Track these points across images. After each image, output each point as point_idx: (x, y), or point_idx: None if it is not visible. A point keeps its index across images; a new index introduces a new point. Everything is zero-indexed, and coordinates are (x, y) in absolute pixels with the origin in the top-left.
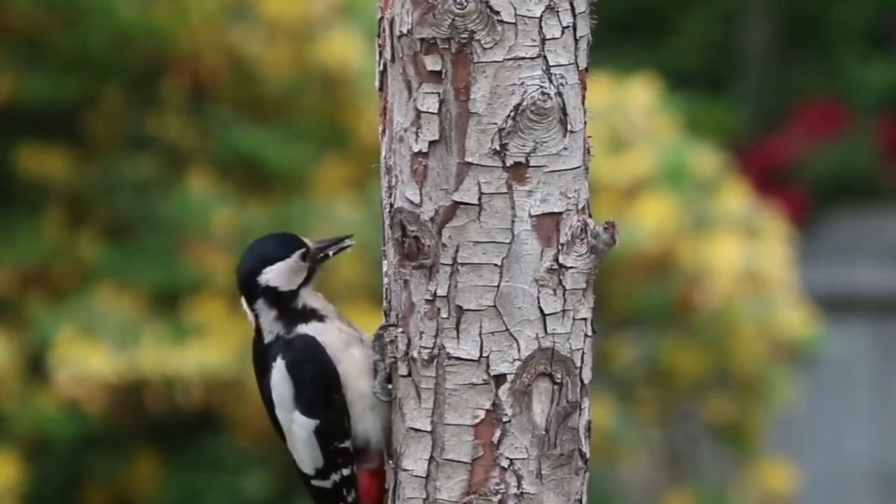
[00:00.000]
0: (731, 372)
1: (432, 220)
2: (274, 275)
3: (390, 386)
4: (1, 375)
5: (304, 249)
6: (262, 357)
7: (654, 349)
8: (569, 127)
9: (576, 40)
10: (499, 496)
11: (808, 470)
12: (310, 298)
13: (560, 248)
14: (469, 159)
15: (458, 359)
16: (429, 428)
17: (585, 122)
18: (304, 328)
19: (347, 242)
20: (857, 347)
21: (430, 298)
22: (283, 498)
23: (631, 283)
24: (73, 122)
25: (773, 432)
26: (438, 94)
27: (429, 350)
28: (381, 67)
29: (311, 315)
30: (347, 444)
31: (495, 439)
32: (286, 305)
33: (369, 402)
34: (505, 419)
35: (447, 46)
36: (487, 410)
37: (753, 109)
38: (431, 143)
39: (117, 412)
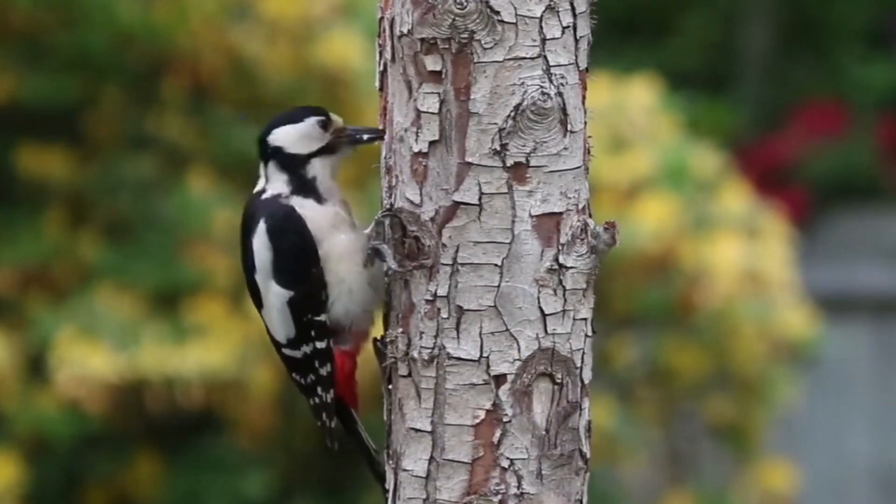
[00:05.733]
0: (732, 372)
1: (432, 220)
2: (283, 135)
3: (388, 267)
4: (1, 375)
5: (322, 117)
6: (249, 217)
7: (654, 349)
8: (569, 127)
9: (576, 40)
10: (499, 496)
11: (808, 470)
12: (322, 175)
13: (560, 248)
14: (469, 159)
15: (459, 359)
16: (429, 428)
17: (586, 122)
18: (292, 200)
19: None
20: (858, 347)
21: (431, 298)
22: (283, 498)
23: (631, 284)
24: (73, 122)
25: (774, 432)
26: (439, 94)
27: (429, 350)
28: (382, 67)
29: (312, 192)
30: (323, 317)
31: (495, 439)
32: (295, 170)
33: (347, 287)
34: (505, 419)
35: (447, 46)
36: (488, 411)
37: (754, 109)
38: (432, 143)
39: (117, 412)
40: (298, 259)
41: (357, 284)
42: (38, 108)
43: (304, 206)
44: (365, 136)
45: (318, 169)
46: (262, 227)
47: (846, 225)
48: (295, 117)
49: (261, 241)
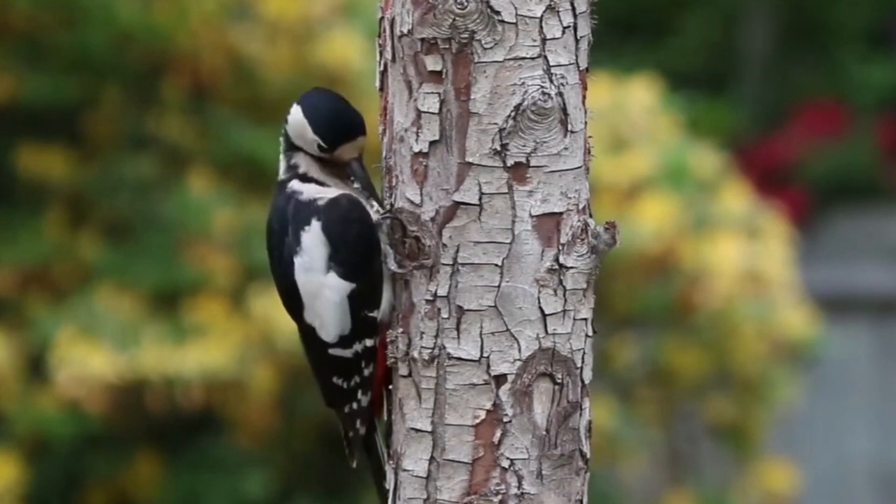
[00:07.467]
0: (732, 372)
1: (433, 220)
2: (293, 117)
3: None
4: (1, 375)
5: (324, 144)
6: (280, 217)
7: (654, 350)
8: (569, 127)
9: (576, 40)
10: (499, 496)
11: (808, 470)
12: (305, 167)
13: (561, 248)
14: (469, 159)
15: (459, 359)
16: (429, 428)
17: (586, 123)
18: (293, 184)
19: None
20: (858, 348)
21: (431, 299)
22: (283, 498)
23: (631, 284)
24: (73, 122)
25: (774, 432)
26: (439, 94)
27: (429, 350)
28: (382, 67)
29: (311, 180)
30: (375, 313)
31: (496, 439)
32: (288, 146)
33: (390, 277)
34: (505, 419)
35: (448, 46)
36: (488, 411)
37: (754, 109)
38: (432, 143)
39: (117, 412)
40: (364, 249)
41: (392, 277)
42: (38, 108)
43: (354, 193)
44: (356, 184)
45: (301, 160)
46: (314, 224)
47: (846, 225)
48: (316, 116)
49: (313, 239)
